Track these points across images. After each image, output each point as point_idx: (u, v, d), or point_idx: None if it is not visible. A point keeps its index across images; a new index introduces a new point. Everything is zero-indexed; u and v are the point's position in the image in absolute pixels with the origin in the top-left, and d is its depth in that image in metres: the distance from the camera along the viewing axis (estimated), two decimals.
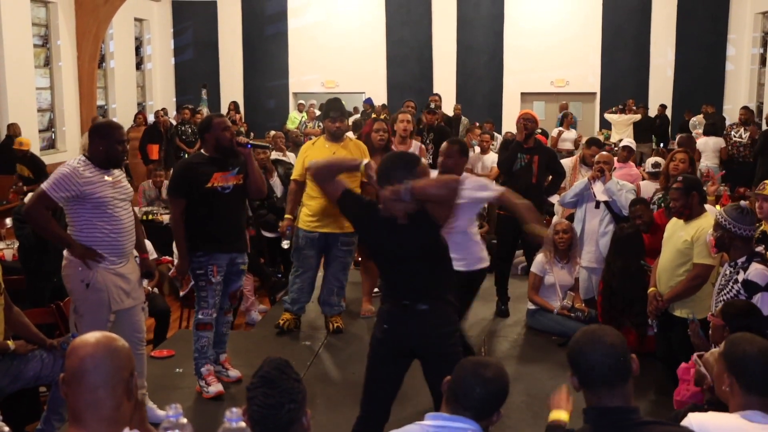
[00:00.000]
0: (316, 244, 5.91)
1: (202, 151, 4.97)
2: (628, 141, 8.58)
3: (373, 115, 9.29)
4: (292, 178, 6.07)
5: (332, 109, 5.81)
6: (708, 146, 12.40)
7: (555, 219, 7.97)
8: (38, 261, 5.79)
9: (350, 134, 6.95)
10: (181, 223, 4.81)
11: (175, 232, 4.89)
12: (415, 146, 7.15)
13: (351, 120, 12.68)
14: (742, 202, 4.76)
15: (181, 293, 6.67)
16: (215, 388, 4.87)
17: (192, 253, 4.87)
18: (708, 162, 11.95)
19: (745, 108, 13.80)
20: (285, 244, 6.79)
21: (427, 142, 8.66)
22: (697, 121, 14.00)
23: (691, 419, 2.40)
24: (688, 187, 4.85)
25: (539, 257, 6.34)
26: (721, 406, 2.58)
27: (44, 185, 4.19)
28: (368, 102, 17.50)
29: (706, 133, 13.06)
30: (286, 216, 5.94)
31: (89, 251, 4.19)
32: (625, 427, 2.15)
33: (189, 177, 4.80)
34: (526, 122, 6.72)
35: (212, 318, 4.89)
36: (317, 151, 5.79)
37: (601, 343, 2.22)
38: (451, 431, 2.31)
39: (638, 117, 16.62)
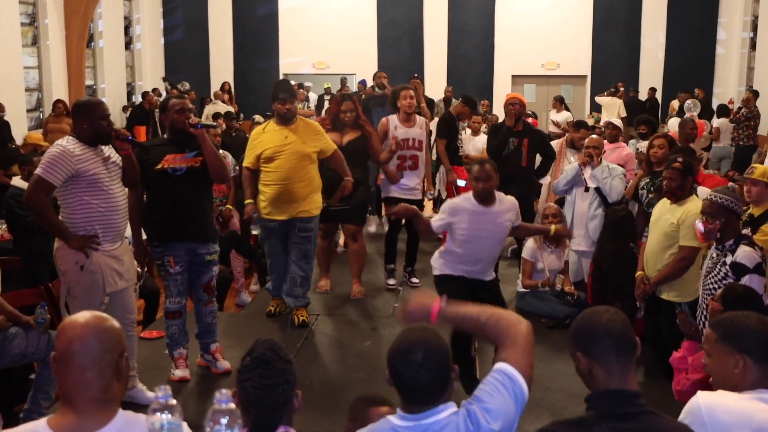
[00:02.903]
0: (277, 231, 5.76)
1: (165, 135, 4.91)
2: (614, 120, 8.56)
3: (356, 92, 9.13)
4: (244, 165, 5.82)
5: (281, 91, 5.59)
6: (724, 128, 13.02)
7: (541, 199, 7.96)
8: (34, 243, 5.72)
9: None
10: (135, 211, 4.67)
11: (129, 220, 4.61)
12: (420, 122, 6.91)
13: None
14: (730, 184, 4.77)
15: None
16: (181, 372, 4.90)
17: (150, 242, 4.84)
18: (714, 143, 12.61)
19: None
20: (254, 230, 6.71)
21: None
22: (692, 103, 14.27)
23: (699, 401, 2.31)
24: (687, 170, 4.85)
25: (529, 243, 6.34)
26: None
27: (38, 170, 4.14)
28: (362, 83, 17.59)
29: (718, 116, 13.64)
30: (247, 201, 5.77)
31: (86, 240, 4.15)
32: (630, 414, 2.12)
33: (141, 159, 4.62)
34: (514, 106, 6.74)
35: (180, 306, 4.89)
36: (269, 136, 5.63)
37: (605, 314, 2.21)
38: (439, 425, 2.14)
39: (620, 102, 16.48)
